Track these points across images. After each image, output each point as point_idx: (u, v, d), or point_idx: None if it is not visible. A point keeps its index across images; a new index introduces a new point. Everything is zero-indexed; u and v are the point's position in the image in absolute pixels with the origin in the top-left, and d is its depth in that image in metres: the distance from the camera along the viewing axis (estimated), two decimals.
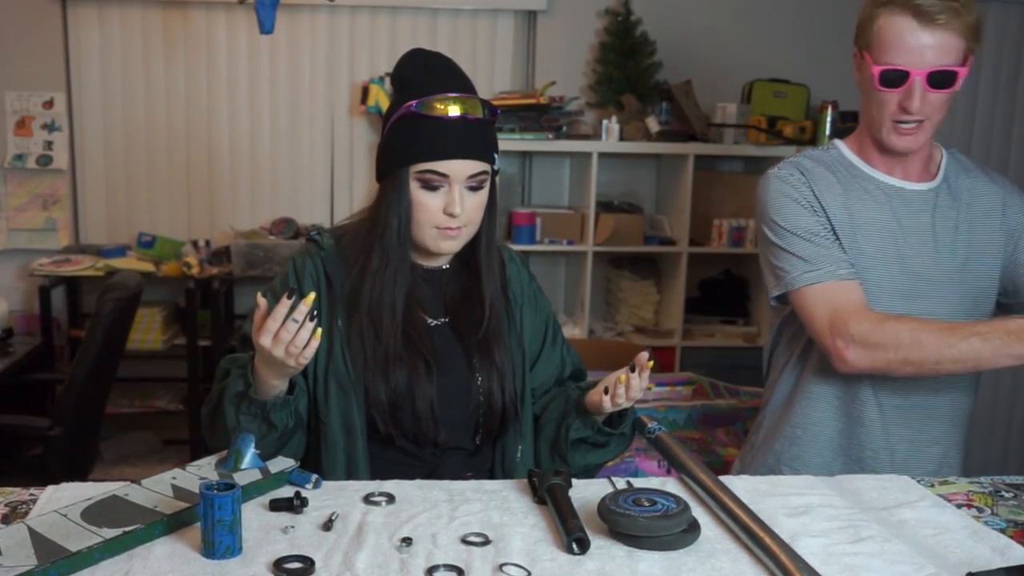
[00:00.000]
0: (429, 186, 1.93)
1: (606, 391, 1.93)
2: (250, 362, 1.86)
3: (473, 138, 1.93)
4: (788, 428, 2.35)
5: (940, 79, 2.05)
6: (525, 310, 2.15)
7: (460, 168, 1.92)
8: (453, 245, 1.99)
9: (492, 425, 2.05)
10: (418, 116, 1.91)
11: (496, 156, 2.00)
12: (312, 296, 1.72)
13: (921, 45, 2.04)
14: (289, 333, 1.71)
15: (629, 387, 1.88)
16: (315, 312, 1.73)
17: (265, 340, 1.73)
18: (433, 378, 1.97)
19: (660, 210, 5.30)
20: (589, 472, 2.10)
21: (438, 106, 1.90)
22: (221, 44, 5.13)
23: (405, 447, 2.00)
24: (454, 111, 1.91)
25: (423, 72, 1.97)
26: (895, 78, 2.07)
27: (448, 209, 1.93)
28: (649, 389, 3.61)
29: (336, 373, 1.96)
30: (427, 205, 1.94)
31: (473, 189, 1.95)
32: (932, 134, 2.16)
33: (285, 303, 1.71)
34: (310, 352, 1.74)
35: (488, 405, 2.03)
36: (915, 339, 2.03)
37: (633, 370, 1.88)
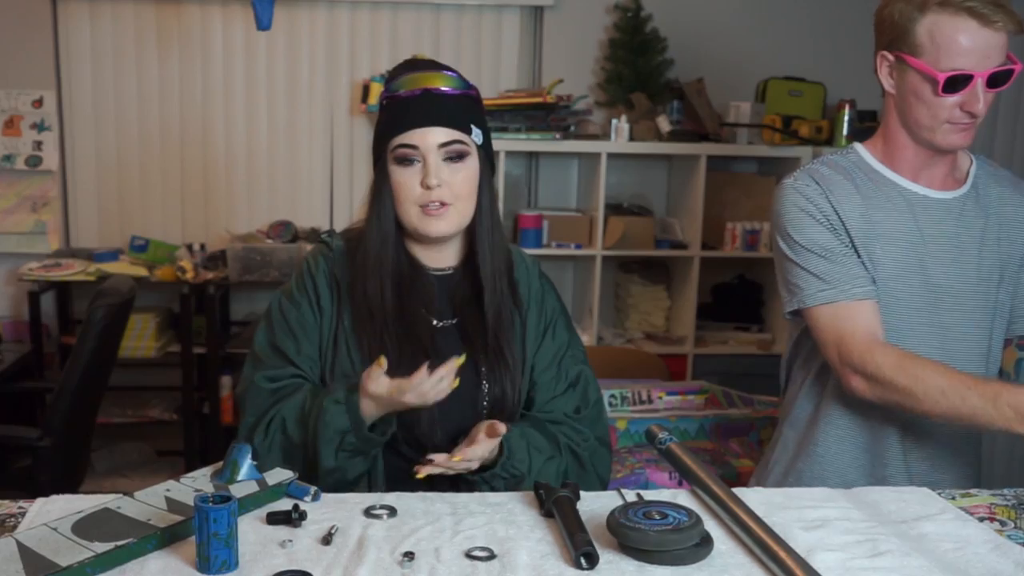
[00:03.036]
0: (403, 161, 2.00)
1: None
2: (349, 398, 1.91)
3: (440, 108, 2.01)
4: (811, 447, 2.34)
5: (999, 79, 2.07)
6: (530, 313, 2.16)
7: (428, 137, 1.99)
8: (440, 225, 2.02)
9: None
10: (390, 100, 2.03)
11: (477, 130, 2.05)
12: (462, 359, 1.86)
13: (984, 47, 2.04)
14: (432, 387, 1.82)
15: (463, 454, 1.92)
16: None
17: (410, 398, 1.83)
18: None
19: (671, 213, 5.30)
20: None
21: (406, 86, 2.01)
22: (217, 41, 5.15)
23: (407, 453, 2.01)
24: (420, 87, 2.01)
25: (399, 68, 2.10)
26: (960, 82, 2.06)
27: (424, 181, 1.99)
28: (660, 398, 3.61)
29: (346, 376, 2.01)
30: (404, 183, 2.01)
31: (451, 160, 2.01)
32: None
33: (422, 373, 1.81)
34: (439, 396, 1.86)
35: (499, 409, 2.06)
36: (910, 390, 2.05)
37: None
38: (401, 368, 1.97)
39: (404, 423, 1.97)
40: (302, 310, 2.05)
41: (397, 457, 2.02)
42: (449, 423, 2.01)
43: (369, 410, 1.88)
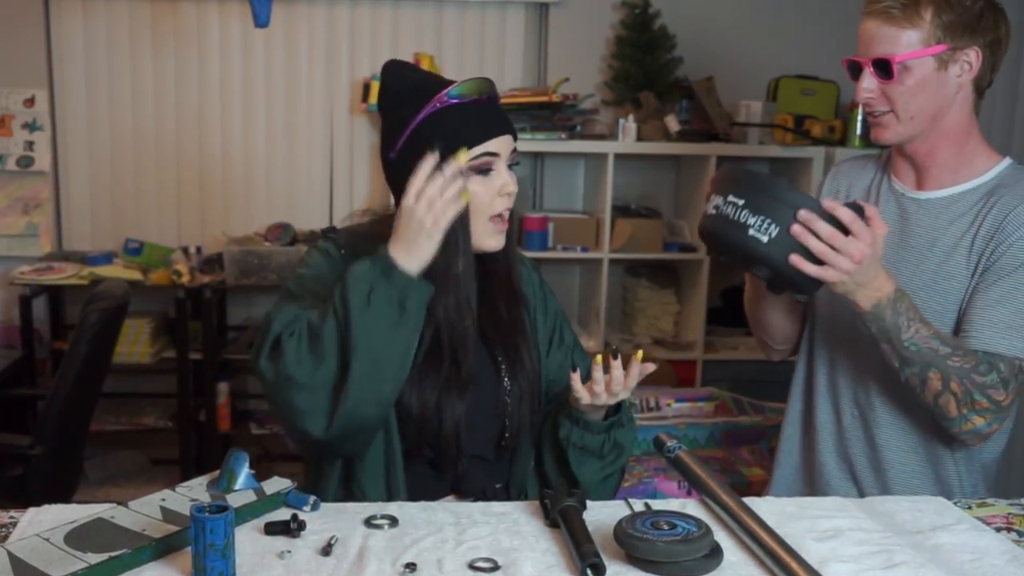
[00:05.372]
0: (483, 170, 1.98)
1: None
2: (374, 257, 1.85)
3: (502, 115, 2.03)
4: (781, 436, 2.54)
5: (879, 68, 2.12)
6: (537, 313, 2.20)
7: (506, 145, 2.00)
8: (504, 238, 2.04)
9: (521, 430, 2.10)
10: (455, 105, 1.96)
11: None
12: (465, 154, 1.84)
13: (865, 34, 2.15)
14: (435, 187, 1.80)
15: (611, 380, 1.94)
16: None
17: (410, 198, 1.82)
18: (465, 395, 1.99)
19: (680, 215, 5.31)
20: (604, 490, 2.14)
21: (468, 92, 1.97)
22: (213, 38, 5.16)
23: (430, 456, 2.03)
24: (479, 93, 1.98)
25: (413, 72, 2.06)
26: (852, 69, 2.19)
27: (506, 188, 1.99)
28: (669, 405, 3.62)
29: None
30: (482, 193, 1.98)
31: (510, 168, 2.02)
32: (913, 130, 2.17)
33: (431, 161, 1.82)
34: (451, 213, 1.83)
35: (520, 405, 2.08)
36: (746, 309, 2.53)
37: (616, 358, 1.94)
38: (430, 377, 1.97)
39: (428, 421, 1.97)
40: (328, 279, 1.96)
41: (419, 464, 2.02)
42: (474, 422, 2.02)
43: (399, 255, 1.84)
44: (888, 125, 2.17)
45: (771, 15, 5.29)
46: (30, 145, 5.08)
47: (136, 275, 4.77)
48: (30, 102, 5.07)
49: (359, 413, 1.81)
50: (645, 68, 5.14)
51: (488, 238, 2.01)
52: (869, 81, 2.14)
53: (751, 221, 1.93)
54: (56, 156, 5.16)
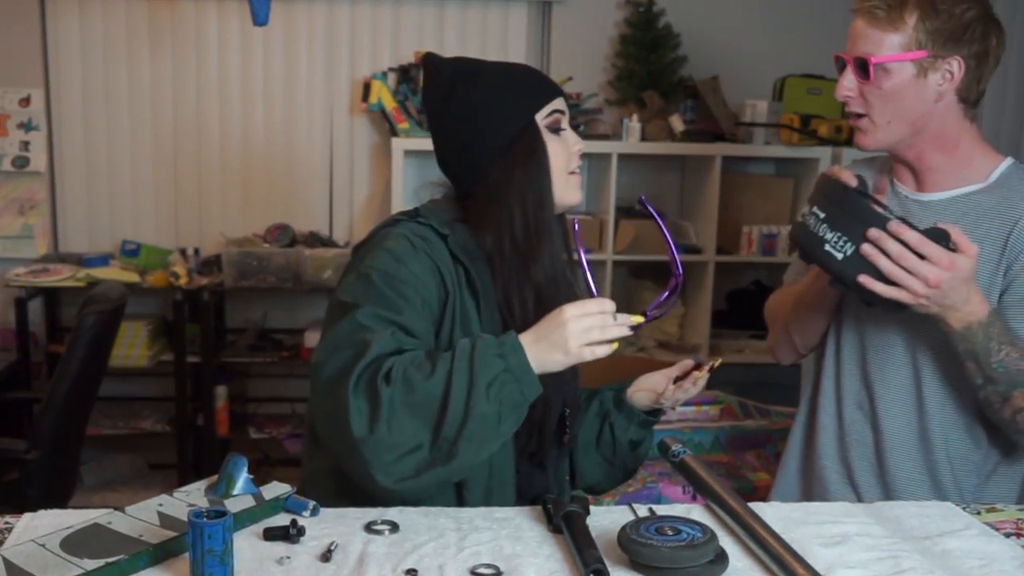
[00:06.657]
0: (555, 129, 1.99)
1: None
2: (500, 345, 1.76)
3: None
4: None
5: (859, 67, 2.13)
6: None
7: (563, 104, 2.01)
8: (580, 191, 2.07)
9: (577, 413, 2.16)
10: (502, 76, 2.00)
11: None
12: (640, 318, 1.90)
13: (852, 32, 2.15)
14: (601, 318, 1.80)
15: (696, 383, 2.10)
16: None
17: (574, 310, 1.78)
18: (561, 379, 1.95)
19: (685, 216, 5.30)
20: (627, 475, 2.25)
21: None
22: (211, 37, 5.16)
23: (523, 444, 2.03)
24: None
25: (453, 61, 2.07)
26: (839, 65, 2.19)
27: (576, 144, 2.02)
28: (673, 409, 3.62)
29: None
30: (559, 152, 2.00)
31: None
32: (892, 137, 2.19)
33: (608, 303, 1.81)
34: (601, 351, 1.81)
35: (574, 393, 2.14)
36: (770, 311, 2.68)
37: (699, 368, 2.13)
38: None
39: (539, 415, 1.97)
40: (424, 281, 1.89)
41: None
42: (556, 401, 2.04)
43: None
44: (866, 130, 2.20)
45: (776, 14, 5.29)
46: (26, 145, 5.08)
47: (133, 277, 4.77)
48: (26, 102, 5.07)
49: (442, 478, 1.77)
50: (649, 67, 5.14)
51: (570, 192, 2.03)
52: (849, 79, 2.15)
53: (828, 236, 1.96)
54: (52, 156, 5.16)
